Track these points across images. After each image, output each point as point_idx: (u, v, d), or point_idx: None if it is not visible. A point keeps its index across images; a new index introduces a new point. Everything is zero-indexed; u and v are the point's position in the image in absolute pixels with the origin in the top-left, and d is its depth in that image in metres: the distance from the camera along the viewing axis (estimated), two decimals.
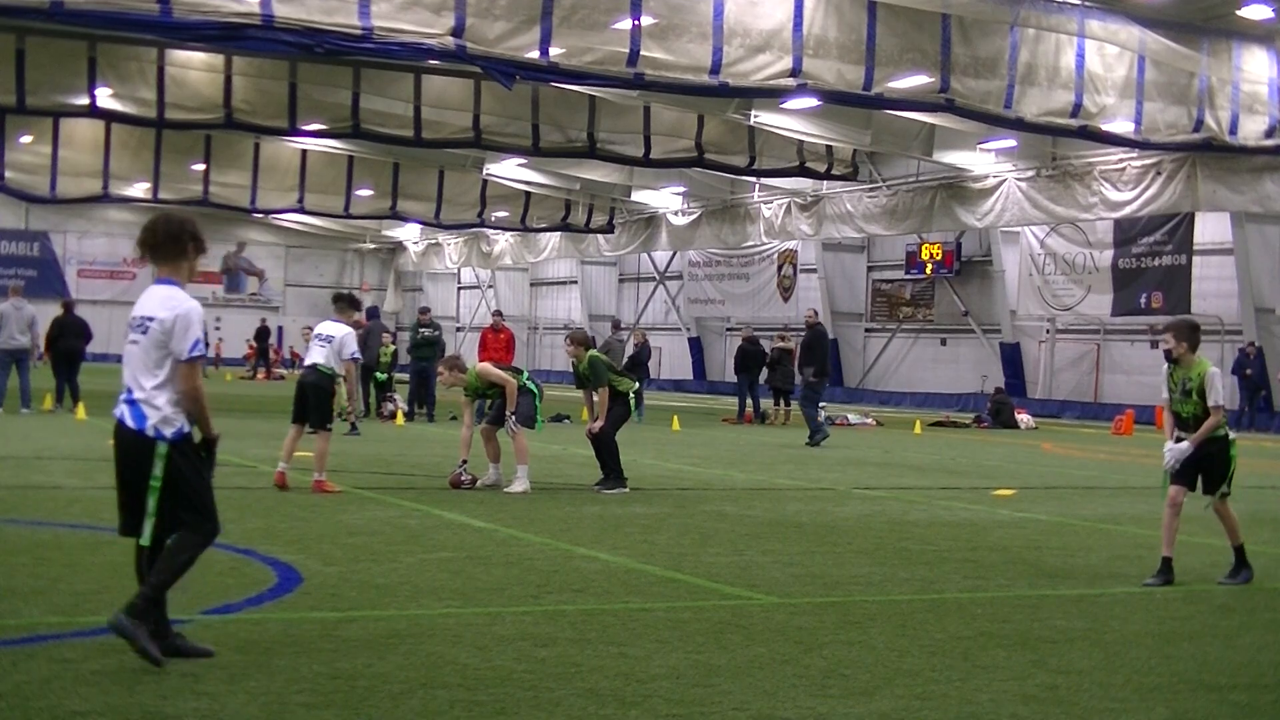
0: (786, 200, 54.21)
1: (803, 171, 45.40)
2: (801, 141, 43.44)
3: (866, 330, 60.69)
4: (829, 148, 44.47)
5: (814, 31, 28.18)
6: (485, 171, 54.94)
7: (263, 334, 67.21)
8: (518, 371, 18.30)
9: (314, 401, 16.87)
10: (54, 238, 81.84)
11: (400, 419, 31.97)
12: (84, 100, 37.90)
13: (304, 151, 52.68)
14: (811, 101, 34.61)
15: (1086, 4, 30.62)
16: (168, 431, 7.57)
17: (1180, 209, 41.31)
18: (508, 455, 17.85)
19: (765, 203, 55.67)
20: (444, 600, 9.82)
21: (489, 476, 17.72)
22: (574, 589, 10.48)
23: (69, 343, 31.08)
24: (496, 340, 33.63)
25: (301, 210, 57.58)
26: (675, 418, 36.07)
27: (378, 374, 33.01)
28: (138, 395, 7.63)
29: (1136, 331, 48.58)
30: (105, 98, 37.96)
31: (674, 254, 68.97)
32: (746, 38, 27.79)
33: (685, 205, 60.59)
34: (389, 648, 8.20)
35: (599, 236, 64.68)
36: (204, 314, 7.79)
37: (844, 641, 8.88)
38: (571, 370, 18.77)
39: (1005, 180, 44.52)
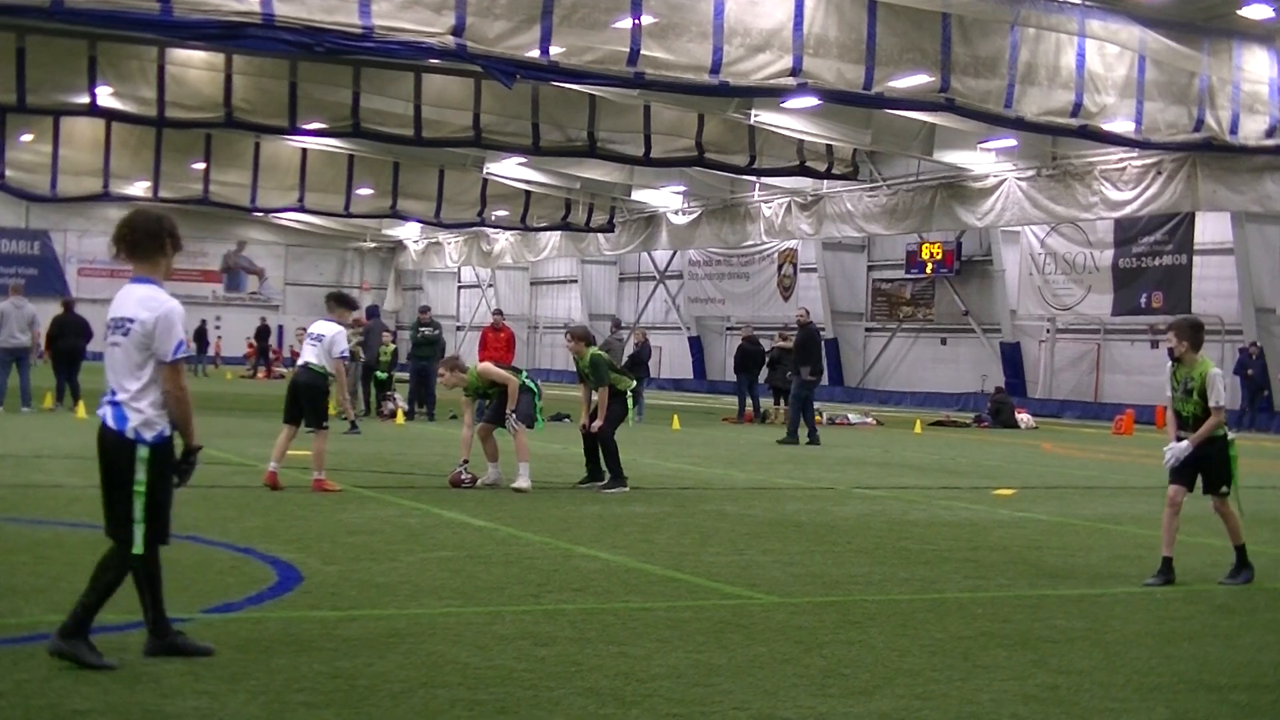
0: (787, 200, 54.22)
1: (803, 171, 45.40)
2: (802, 141, 43.44)
3: (867, 330, 60.70)
4: (829, 147, 44.47)
5: (814, 31, 28.18)
6: (485, 170, 54.96)
7: (263, 333, 67.20)
8: (516, 371, 18.31)
9: (307, 401, 16.83)
10: (54, 236, 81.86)
11: (400, 418, 31.96)
12: (84, 99, 37.92)
13: (304, 150, 52.72)
14: (812, 101, 34.61)
15: (1087, 3, 30.62)
16: (148, 435, 7.49)
17: (1180, 209, 41.32)
18: (507, 454, 17.84)
19: (765, 202, 55.68)
20: (444, 599, 9.82)
21: (489, 476, 17.72)
22: (574, 588, 10.48)
23: (69, 341, 31.07)
24: (497, 339, 33.63)
25: (302, 209, 57.60)
26: (675, 417, 36.07)
27: (378, 373, 33.00)
28: (120, 397, 7.55)
29: (1137, 331, 48.59)
30: (105, 96, 37.98)
31: (674, 253, 69.00)
32: (747, 37, 27.79)
33: (685, 204, 60.60)
34: (389, 647, 8.20)
35: (599, 236, 64.72)
36: (185, 312, 7.70)
37: (844, 641, 8.88)
38: (574, 368, 18.76)
39: (1005, 180, 44.53)
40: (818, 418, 39.61)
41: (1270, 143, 33.70)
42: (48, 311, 32.26)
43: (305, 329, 17.88)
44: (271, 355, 68.05)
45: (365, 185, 55.33)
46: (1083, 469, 25.64)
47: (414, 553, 11.88)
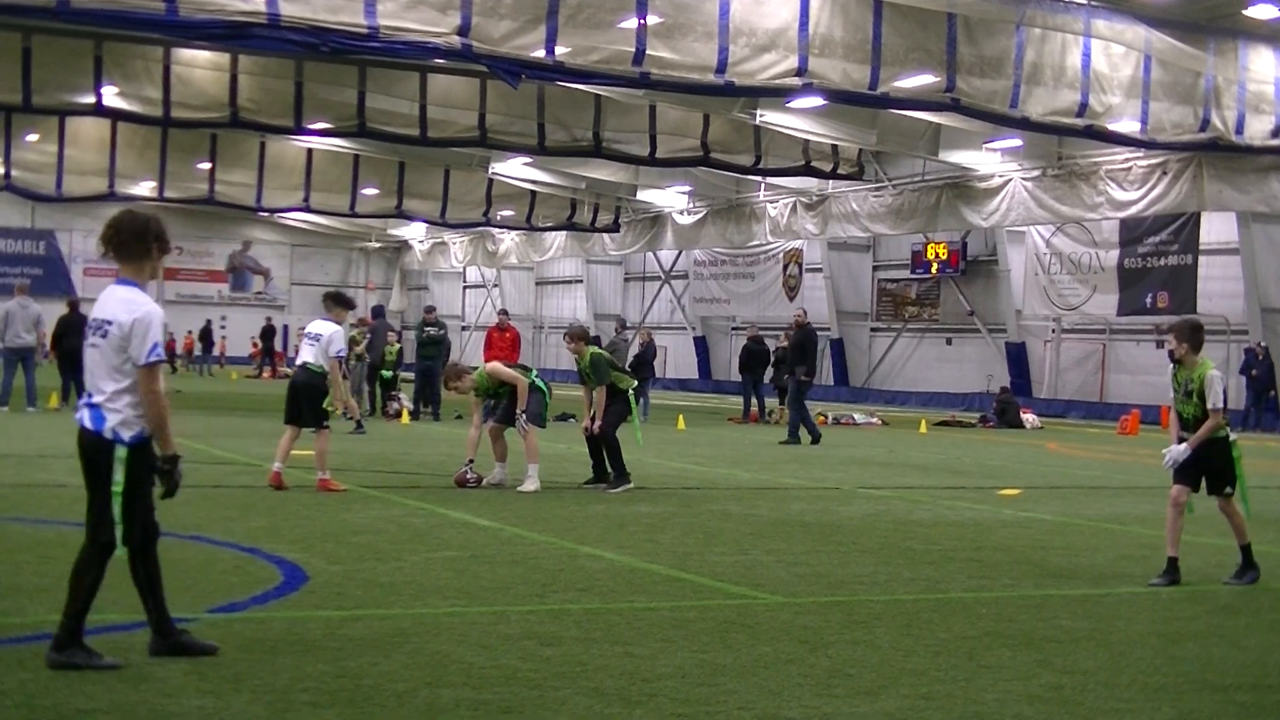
0: (792, 199, 54.21)
1: (808, 171, 45.38)
2: (807, 141, 43.42)
3: (872, 330, 60.67)
4: (834, 147, 44.45)
5: (820, 31, 28.18)
6: (491, 170, 54.96)
7: (268, 333, 67.21)
8: (525, 370, 18.32)
9: (306, 401, 16.82)
10: (60, 236, 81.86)
11: (405, 418, 31.97)
12: (90, 99, 37.94)
13: (309, 150, 52.75)
14: (817, 101, 34.59)
15: (1092, 3, 30.61)
16: (126, 435, 7.45)
17: (1186, 209, 41.30)
18: (515, 455, 17.84)
19: (771, 202, 55.67)
20: (449, 599, 9.82)
21: (494, 476, 17.70)
22: (579, 588, 10.48)
23: (74, 341, 31.03)
24: (502, 339, 33.63)
25: (307, 209, 57.64)
26: (680, 417, 36.07)
27: (383, 372, 33.00)
28: (97, 399, 7.51)
29: (1142, 331, 48.53)
30: (111, 96, 38.00)
31: (679, 253, 68.99)
32: (752, 37, 27.79)
33: (690, 204, 60.60)
34: (394, 646, 8.20)
35: (604, 235, 64.74)
36: (164, 316, 7.66)
37: (849, 641, 8.87)
38: (576, 369, 18.75)
39: (1011, 180, 44.52)
40: (821, 418, 39.79)
41: (1276, 142, 33.69)
42: (53, 311, 32.27)
43: (304, 329, 17.84)
44: (276, 355, 68.05)
45: (370, 185, 55.35)
46: (1088, 469, 25.62)
47: (419, 552, 11.88)
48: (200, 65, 38.44)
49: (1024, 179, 44.17)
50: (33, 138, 48.92)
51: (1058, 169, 43.40)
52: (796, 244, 61.25)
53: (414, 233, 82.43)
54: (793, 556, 12.55)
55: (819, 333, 57.88)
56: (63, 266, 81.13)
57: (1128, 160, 40.70)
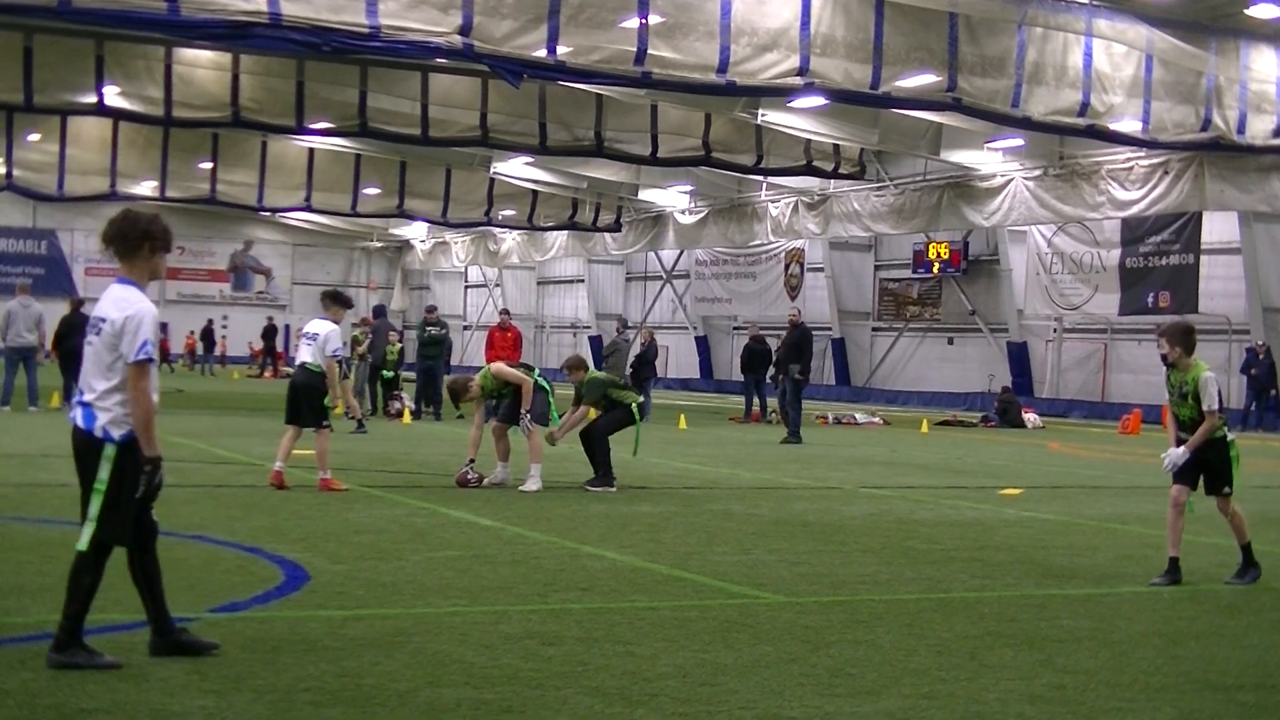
0: (794, 199, 54.20)
1: (810, 170, 45.37)
2: (809, 140, 43.41)
3: (873, 329, 60.63)
4: (836, 147, 44.45)
5: (821, 30, 28.17)
6: (492, 170, 54.97)
7: (270, 332, 67.22)
8: (529, 369, 18.32)
9: (305, 401, 16.81)
10: (61, 236, 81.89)
11: (407, 417, 31.97)
12: (91, 98, 37.95)
13: (311, 150, 52.75)
14: (819, 100, 34.58)
15: (1094, 3, 30.60)
16: (116, 433, 7.46)
17: (1188, 208, 41.27)
18: (517, 455, 17.85)
19: (772, 201, 55.65)
20: (450, 599, 9.83)
21: (496, 475, 17.71)
22: (580, 587, 10.49)
23: (77, 341, 31.02)
24: (504, 339, 33.63)
25: (308, 209, 57.63)
26: (682, 417, 36.08)
27: (384, 372, 33.01)
28: (88, 397, 7.53)
29: (1144, 331, 48.43)
30: (113, 96, 38.00)
31: (681, 253, 68.96)
32: (754, 36, 27.79)
33: (692, 204, 60.59)
34: (396, 646, 8.20)
35: (606, 235, 64.72)
36: (157, 316, 7.64)
37: (851, 640, 8.88)
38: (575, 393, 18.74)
39: (1012, 179, 44.51)
40: (821, 419, 39.81)
41: (1277, 142, 33.67)
42: (55, 311, 32.28)
43: (302, 329, 17.81)
44: (277, 355, 68.05)
45: (372, 185, 55.35)
46: (1089, 469, 25.62)
47: (420, 552, 11.89)
48: (202, 65, 38.45)
49: (1025, 178, 44.16)
50: (34, 137, 48.92)
51: (1059, 168, 43.39)
52: (798, 243, 61.23)
53: (415, 232, 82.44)
54: (794, 556, 12.55)
55: (821, 332, 58.35)
56: (64, 266, 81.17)
57: (1129, 160, 40.68)
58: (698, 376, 68.51)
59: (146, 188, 52.36)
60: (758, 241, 59.37)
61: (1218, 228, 45.04)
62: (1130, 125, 31.96)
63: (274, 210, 62.31)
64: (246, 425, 27.07)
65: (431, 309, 36.02)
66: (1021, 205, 44.30)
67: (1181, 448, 11.66)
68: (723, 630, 9.05)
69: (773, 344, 39.04)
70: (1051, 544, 14.17)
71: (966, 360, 56.08)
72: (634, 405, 18.46)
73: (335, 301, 17.44)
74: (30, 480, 16.45)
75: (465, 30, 25.62)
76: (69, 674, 7.20)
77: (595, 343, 71.17)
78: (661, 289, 72.75)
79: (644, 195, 59.52)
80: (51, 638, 7.45)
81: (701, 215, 60.08)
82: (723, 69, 27.60)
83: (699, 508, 16.31)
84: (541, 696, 7.20)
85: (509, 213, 59.79)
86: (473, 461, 17.71)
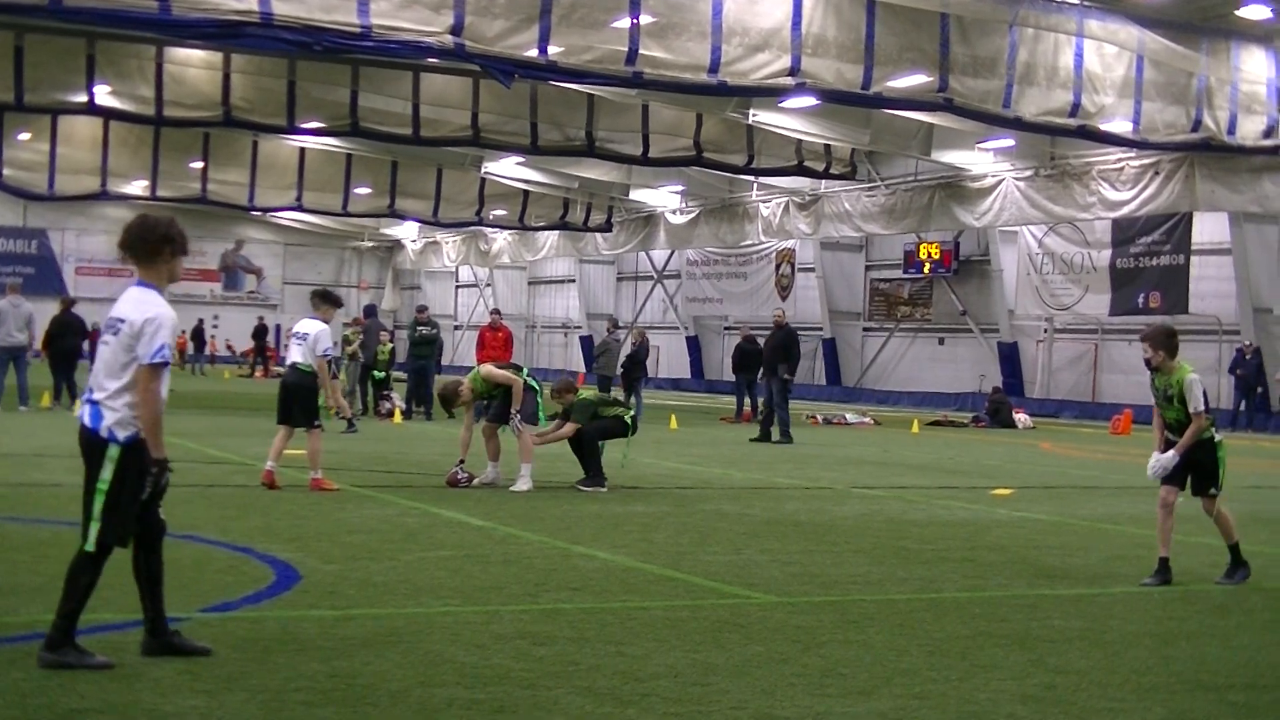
0: (785, 199, 54.21)
1: (801, 170, 45.38)
2: (800, 140, 43.43)
3: (865, 329, 60.68)
4: (827, 147, 44.47)
5: (813, 30, 28.18)
6: (484, 170, 54.97)
7: (260, 332, 67.18)
8: (518, 369, 18.31)
9: (297, 401, 16.80)
10: (52, 235, 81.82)
11: (398, 417, 31.96)
12: (82, 98, 37.92)
13: (302, 149, 52.72)
14: (810, 100, 34.62)
15: (1085, 4, 30.63)
16: (121, 434, 7.46)
17: (1178, 209, 41.32)
18: (508, 454, 17.85)
19: (764, 202, 55.66)
20: (442, 598, 9.83)
21: (487, 475, 17.71)
22: (572, 587, 10.49)
23: (69, 341, 31.10)
24: (495, 339, 33.62)
25: (300, 208, 57.58)
26: (673, 417, 36.07)
27: (375, 372, 33.01)
28: (97, 395, 7.55)
29: (1134, 331, 48.19)
30: (104, 95, 37.97)
31: (672, 253, 68.98)
32: (745, 36, 27.79)
33: (683, 204, 60.59)
34: (387, 646, 8.20)
35: (597, 235, 64.70)
36: (176, 321, 7.67)
37: (842, 640, 8.88)
38: (571, 366, 18.75)
39: (1003, 180, 44.54)
40: (813, 419, 39.82)
41: (1268, 143, 33.72)
42: (45, 311, 32.25)
43: (292, 329, 17.76)
44: (268, 354, 68.04)
45: (363, 184, 55.31)
46: (1081, 469, 25.65)
47: (412, 552, 11.89)
48: (193, 64, 38.43)
49: (1016, 179, 44.19)
50: (25, 136, 48.86)
51: (1050, 169, 43.42)
52: (789, 244, 61.26)
53: (407, 232, 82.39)
54: (786, 556, 12.56)
55: (812, 333, 58.43)
56: (55, 265, 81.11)
57: (1120, 160, 40.72)
58: (689, 376, 68.54)
59: (137, 187, 52.30)
60: (749, 242, 59.40)
61: (1208, 228, 45.11)
62: (1121, 126, 32.00)
63: (265, 210, 62.28)
64: (238, 425, 27.04)
65: (422, 309, 36.02)
66: (1012, 206, 44.33)
67: (1171, 451, 11.67)
68: (714, 630, 9.05)
69: (763, 344, 39.04)
70: (1043, 544, 14.19)
71: (957, 360, 56.14)
72: (627, 417, 18.47)
73: (325, 301, 17.40)
74: (23, 480, 16.43)
75: (457, 30, 25.62)
76: (61, 674, 7.19)
77: (586, 343, 71.19)
78: (653, 289, 72.76)
79: (635, 195, 59.52)
80: (44, 637, 7.44)
81: (693, 215, 60.09)
82: (714, 69, 27.60)
83: (691, 508, 16.31)
84: (533, 696, 7.20)
85: (500, 213, 59.78)
86: (463, 462, 17.71)
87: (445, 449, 22.47)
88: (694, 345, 68.98)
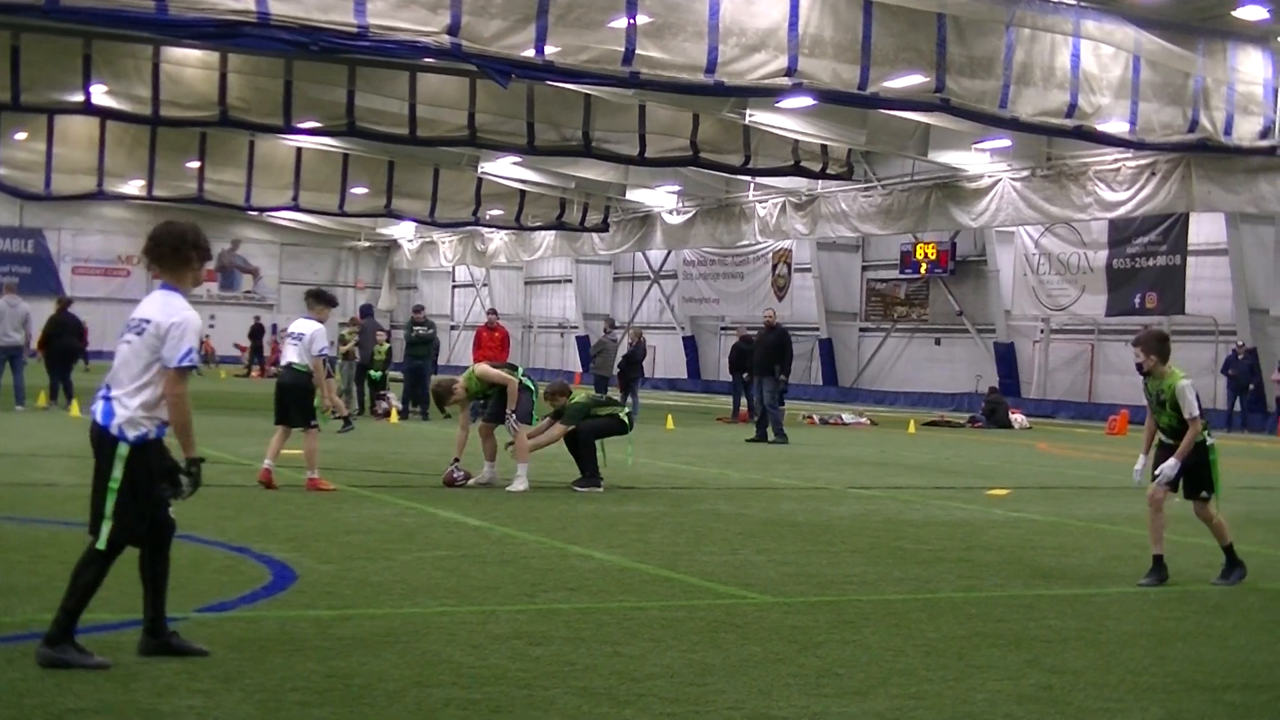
0: (781, 199, 54.23)
1: (798, 171, 45.42)
2: (797, 141, 43.46)
3: (861, 330, 60.68)
4: (824, 147, 44.50)
5: (810, 31, 28.21)
6: (480, 170, 54.98)
7: (257, 332, 67.16)
8: (513, 368, 18.30)
9: (293, 401, 16.79)
10: (49, 235, 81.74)
11: (394, 417, 31.95)
12: (79, 97, 37.93)
13: (299, 149, 52.74)
14: (807, 101, 34.64)
15: (1082, 4, 30.66)
16: (131, 434, 7.49)
17: (1175, 209, 41.35)
18: (504, 455, 17.84)
19: (760, 202, 55.67)
20: (439, 598, 9.83)
21: (483, 475, 17.71)
22: (569, 587, 10.49)
23: (65, 341, 31.09)
24: (491, 339, 33.61)
25: (296, 208, 57.62)
26: (670, 417, 36.07)
27: (372, 372, 33.01)
28: (113, 393, 7.58)
29: (1131, 332, 48.13)
30: (100, 95, 37.97)
31: (669, 253, 68.96)
32: (742, 37, 27.82)
33: (680, 204, 60.60)
34: (384, 646, 8.20)
35: (594, 235, 64.71)
36: (201, 327, 7.74)
37: (839, 641, 8.88)
38: (568, 365, 18.75)
39: (1000, 180, 44.56)
40: (809, 419, 39.82)
41: (1264, 143, 33.77)
42: (41, 310, 32.24)
43: (287, 329, 17.74)
44: (266, 354, 68.01)
45: (360, 184, 55.32)
46: (1077, 469, 25.66)
47: (409, 552, 11.88)
48: (190, 64, 38.44)
49: (1013, 179, 44.21)
50: (21, 136, 48.87)
51: (1047, 169, 43.45)
52: (786, 244, 61.23)
53: (403, 232, 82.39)
54: (783, 556, 12.56)
55: (809, 333, 58.44)
56: (51, 265, 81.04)
57: (1117, 161, 40.74)
58: (685, 377, 68.52)
59: (134, 187, 52.33)
60: (745, 242, 59.40)
61: (1204, 229, 45.13)
62: (1118, 126, 32.03)
63: (261, 209, 62.30)
64: (235, 424, 27.03)
65: (419, 309, 36.02)
66: (1009, 206, 44.35)
67: (1172, 458, 11.66)
68: (710, 630, 9.05)
69: None
70: (1039, 544, 14.20)
71: (954, 361, 56.15)
72: (622, 415, 18.46)
73: (320, 301, 17.38)
74: (20, 480, 16.42)
75: (453, 30, 25.63)
76: (57, 674, 7.19)
77: (583, 343, 71.18)
78: (649, 289, 72.75)
79: (632, 195, 59.54)
80: (43, 634, 7.45)
81: (689, 215, 60.10)
82: (711, 69, 27.63)
83: (687, 508, 16.31)
84: (529, 696, 7.20)
85: (497, 212, 59.80)
86: (458, 460, 17.72)
87: (442, 449, 22.45)
88: (690, 345, 68.97)
